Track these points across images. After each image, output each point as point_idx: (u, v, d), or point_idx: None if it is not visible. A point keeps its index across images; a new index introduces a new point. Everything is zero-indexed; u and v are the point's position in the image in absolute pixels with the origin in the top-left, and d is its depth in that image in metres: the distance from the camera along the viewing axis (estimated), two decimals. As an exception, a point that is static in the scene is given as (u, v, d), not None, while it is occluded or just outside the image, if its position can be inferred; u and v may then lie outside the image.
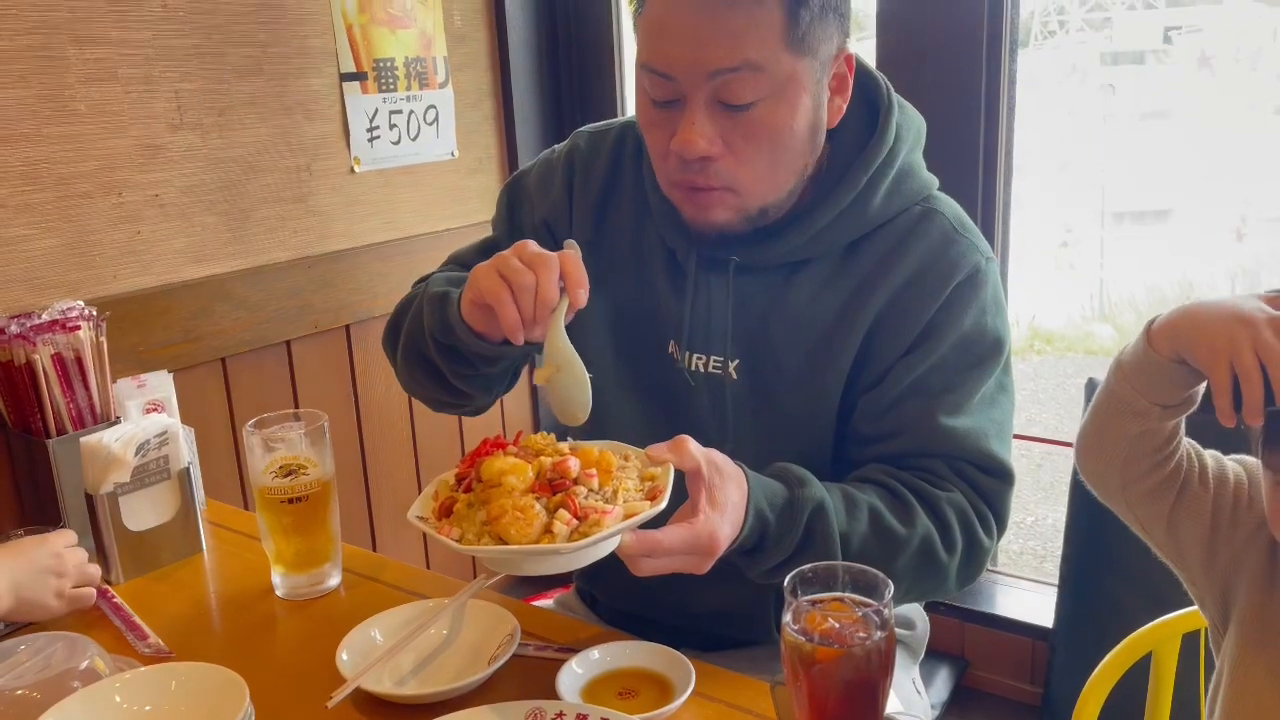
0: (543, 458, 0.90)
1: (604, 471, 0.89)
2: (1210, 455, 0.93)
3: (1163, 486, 0.90)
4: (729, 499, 0.91)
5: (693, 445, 0.91)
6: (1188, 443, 0.91)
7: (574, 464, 0.87)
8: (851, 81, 1.06)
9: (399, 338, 1.19)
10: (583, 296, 0.95)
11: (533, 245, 0.97)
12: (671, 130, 1.00)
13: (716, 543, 0.89)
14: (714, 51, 0.95)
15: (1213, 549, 0.90)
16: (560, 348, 0.96)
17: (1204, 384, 0.85)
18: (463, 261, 1.27)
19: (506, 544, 0.84)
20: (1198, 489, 0.90)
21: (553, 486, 0.86)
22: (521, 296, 0.93)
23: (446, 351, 1.09)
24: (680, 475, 0.91)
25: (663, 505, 0.87)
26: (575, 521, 0.84)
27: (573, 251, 0.97)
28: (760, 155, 1.00)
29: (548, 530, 0.84)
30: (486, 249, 1.26)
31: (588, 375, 0.96)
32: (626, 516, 0.86)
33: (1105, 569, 1.44)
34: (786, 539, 0.96)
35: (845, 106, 1.06)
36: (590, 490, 0.87)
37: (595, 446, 0.93)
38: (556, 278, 0.94)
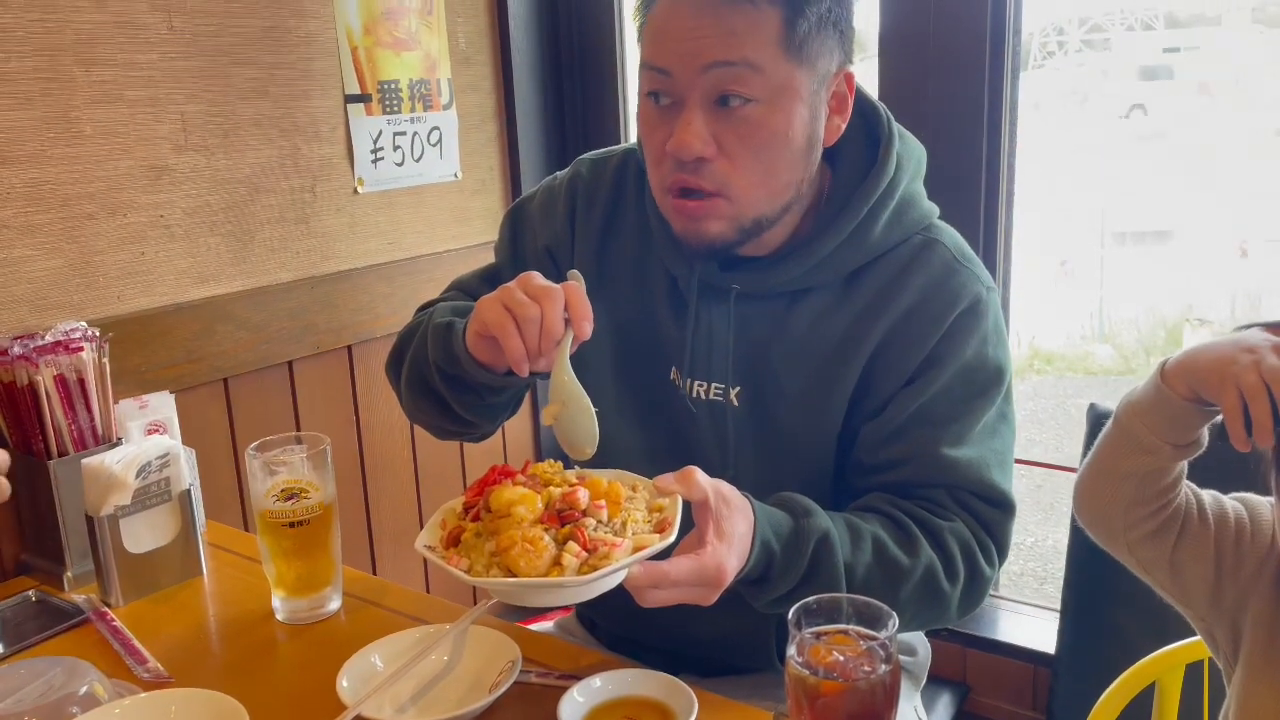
0: (552, 488, 0.90)
1: (613, 503, 0.89)
2: (1209, 494, 0.94)
3: (1164, 528, 0.90)
4: (735, 530, 0.91)
5: (700, 476, 0.91)
6: (1186, 484, 0.92)
7: (583, 495, 0.87)
8: (851, 103, 1.07)
9: (402, 366, 1.20)
10: (587, 329, 0.95)
11: (538, 277, 0.97)
12: (668, 133, 1.01)
13: (723, 574, 0.89)
14: (711, 46, 0.98)
15: (1219, 587, 0.90)
16: (565, 382, 0.96)
17: (1210, 423, 0.86)
18: (466, 288, 1.28)
19: (515, 576, 0.83)
20: (1198, 528, 0.91)
21: (561, 518, 0.86)
22: (526, 329, 0.94)
23: (451, 381, 1.09)
24: (687, 505, 0.91)
25: (671, 538, 0.87)
26: (584, 554, 0.84)
27: (577, 283, 0.98)
28: (754, 160, 1.01)
29: (557, 562, 0.83)
30: (489, 276, 1.27)
31: (593, 409, 0.96)
32: (635, 549, 0.85)
33: (1107, 596, 1.43)
34: (792, 570, 0.96)
35: (844, 127, 1.07)
36: (599, 522, 0.87)
37: (603, 476, 0.93)
38: (561, 310, 0.94)
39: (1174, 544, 0.90)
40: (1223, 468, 0.92)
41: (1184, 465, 0.90)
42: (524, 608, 1.06)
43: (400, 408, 1.25)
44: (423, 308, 1.28)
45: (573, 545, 0.84)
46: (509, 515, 0.86)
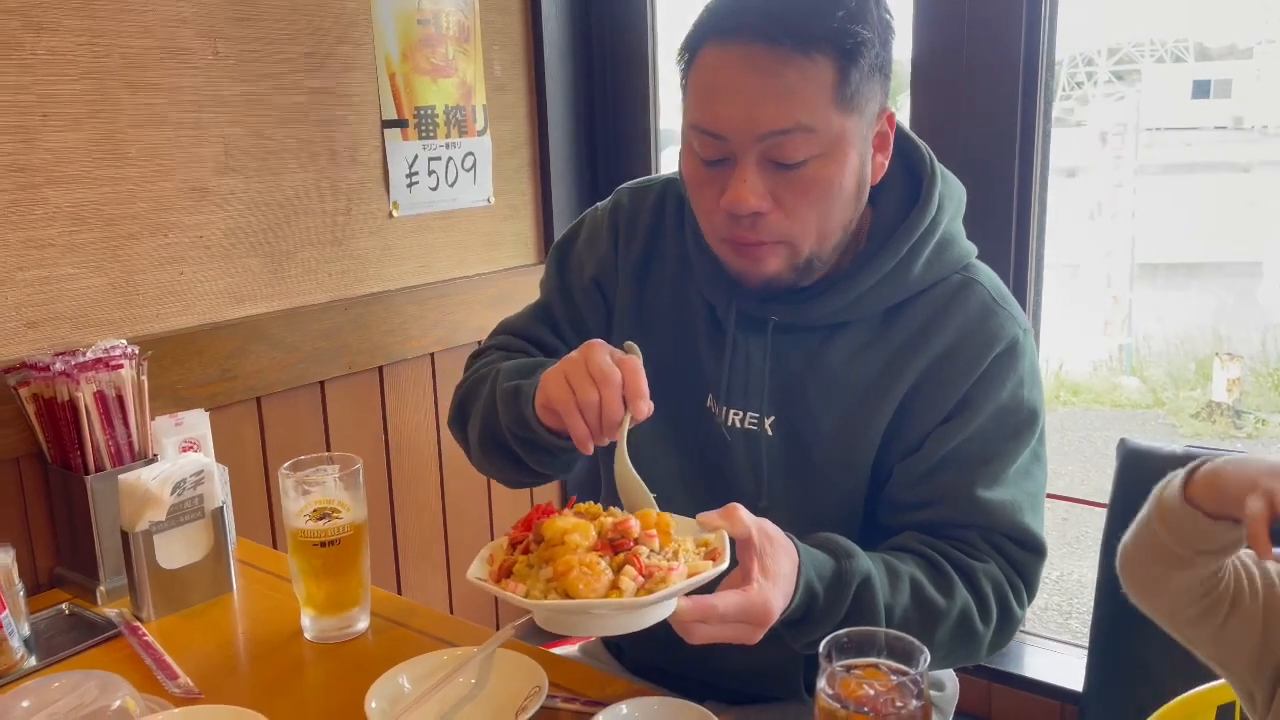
0: (603, 519, 0.90)
1: (663, 533, 0.89)
2: (1252, 557, 0.90)
3: (1210, 611, 0.86)
4: (780, 569, 0.92)
5: (744, 513, 0.91)
6: (1235, 557, 0.88)
7: (635, 524, 0.88)
8: (892, 139, 1.08)
9: (468, 422, 1.21)
10: (643, 409, 0.96)
11: (597, 355, 0.97)
12: (720, 187, 1.01)
13: (770, 612, 0.89)
14: (766, 113, 0.97)
15: (1265, 654, 0.88)
16: (621, 471, 0.97)
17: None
18: (517, 331, 1.29)
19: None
20: (1248, 604, 0.87)
21: (614, 546, 0.86)
22: (588, 414, 0.96)
23: (525, 443, 1.10)
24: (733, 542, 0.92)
25: (725, 564, 0.87)
26: (641, 579, 0.84)
27: (633, 359, 0.98)
28: (810, 211, 1.02)
29: (614, 587, 0.83)
30: (541, 315, 1.28)
31: (650, 495, 0.97)
32: (690, 575, 0.86)
33: (1137, 633, 1.41)
34: (833, 611, 0.96)
35: (886, 164, 1.08)
36: (652, 550, 0.87)
37: (650, 513, 0.93)
38: (619, 396, 0.95)
39: (1221, 623, 0.88)
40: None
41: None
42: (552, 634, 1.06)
43: (467, 457, 1.26)
44: (474, 356, 1.30)
45: (629, 570, 0.84)
46: (563, 543, 0.86)
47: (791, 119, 0.97)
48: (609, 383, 0.95)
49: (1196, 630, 0.88)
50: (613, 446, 0.99)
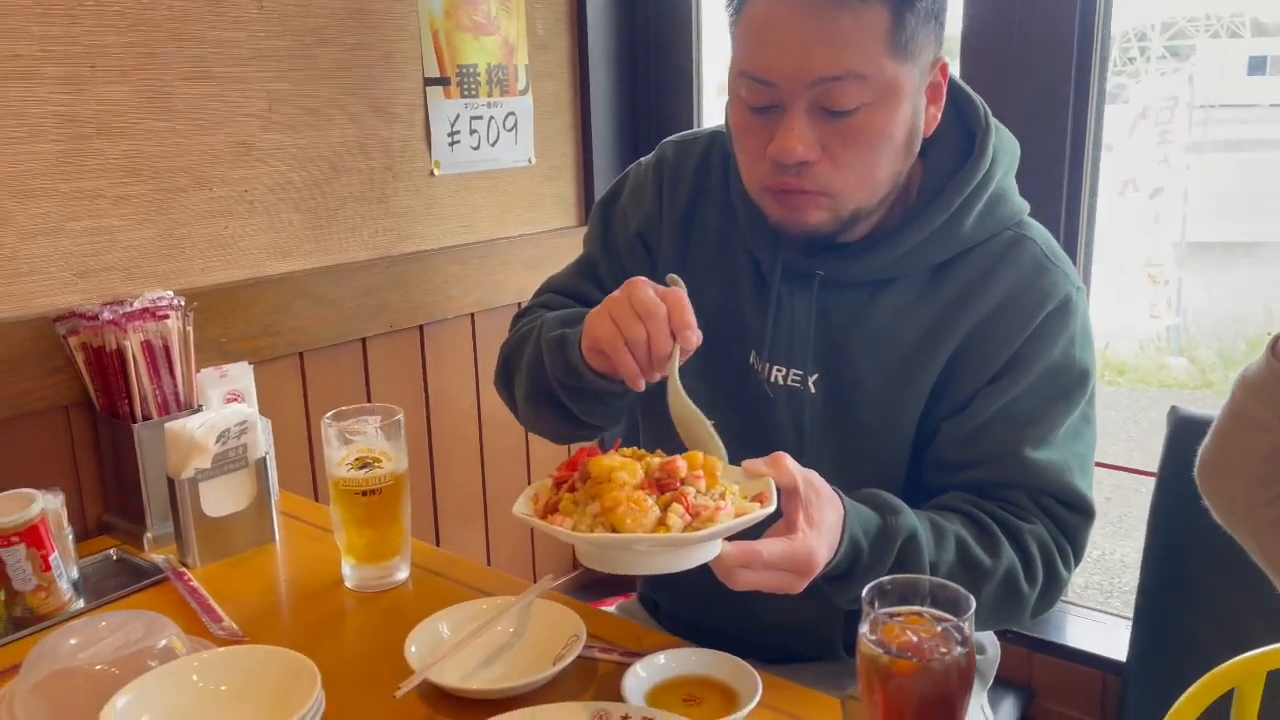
0: (649, 459, 0.89)
1: (710, 474, 0.88)
2: None
3: None
4: (826, 520, 0.91)
5: (790, 462, 0.90)
6: None
7: (682, 465, 0.87)
8: (945, 90, 1.05)
9: (514, 379, 1.21)
10: (692, 339, 0.95)
11: (641, 290, 0.96)
12: (767, 135, 1.00)
13: (815, 562, 0.88)
14: (817, 59, 0.95)
15: None
16: (675, 400, 0.96)
17: None
18: (562, 289, 1.28)
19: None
20: None
21: (661, 485, 0.85)
22: (636, 350, 0.95)
23: (573, 392, 1.09)
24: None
25: (773, 508, 0.86)
26: (689, 518, 0.83)
27: (678, 290, 0.97)
28: (859, 161, 1.00)
29: (661, 524, 0.82)
30: (584, 270, 1.28)
31: (708, 422, 0.96)
32: (737, 516, 0.85)
33: (1183, 604, 1.39)
34: (878, 566, 0.95)
35: (939, 115, 1.06)
36: (699, 491, 0.86)
37: (697, 455, 0.92)
38: (666, 328, 0.94)
39: None
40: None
41: None
42: (588, 589, 1.06)
43: (514, 415, 1.25)
44: (519, 315, 1.29)
45: (677, 508, 0.83)
46: (610, 480, 0.85)
47: (843, 65, 0.95)
48: (655, 317, 0.94)
49: (1275, 539, 0.85)
50: (653, 397, 0.98)
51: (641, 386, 0.97)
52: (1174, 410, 1.39)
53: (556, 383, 1.10)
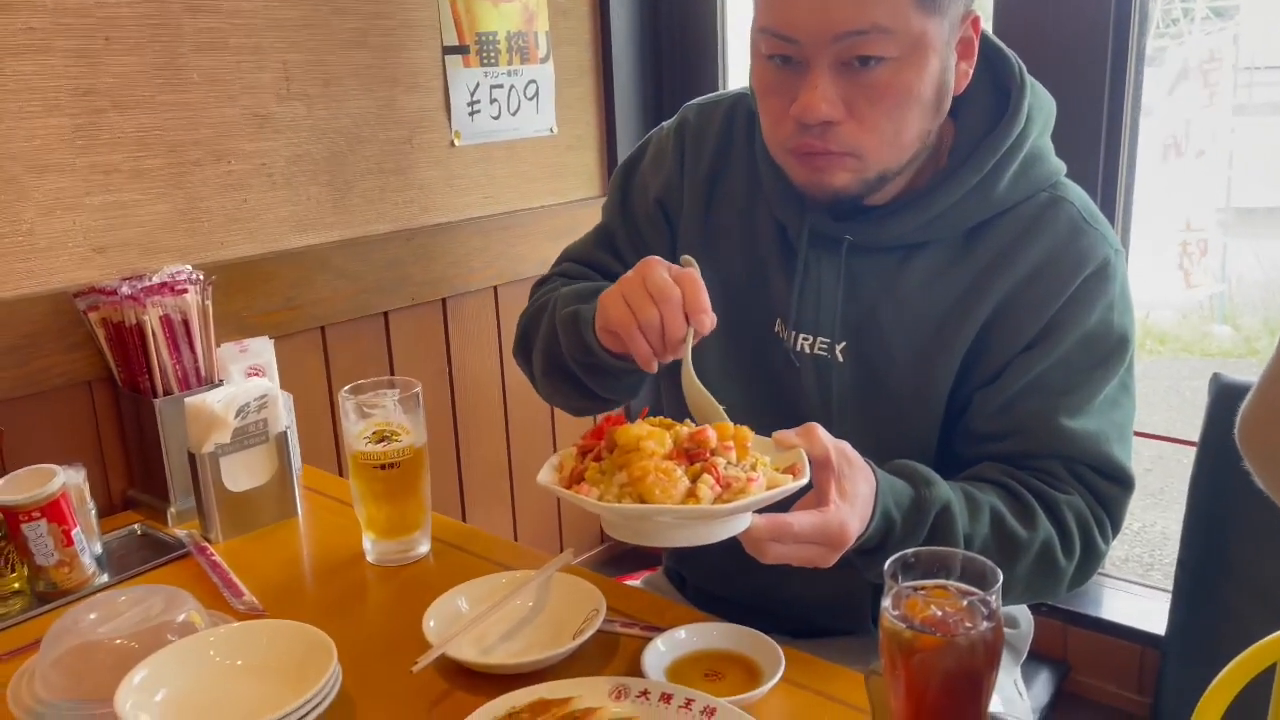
0: (678, 428, 0.86)
1: (740, 445, 0.85)
2: None
3: None
4: (858, 491, 0.88)
5: (822, 433, 0.87)
6: None
7: (712, 435, 0.84)
8: (977, 46, 1.01)
9: (531, 351, 1.19)
10: (706, 323, 0.92)
11: (655, 272, 0.93)
12: (790, 94, 0.96)
13: (846, 534, 0.86)
14: (841, 13, 0.91)
15: None
16: (689, 386, 0.93)
17: None
18: (580, 258, 1.26)
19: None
20: None
21: (690, 455, 0.82)
22: (649, 333, 0.92)
23: (588, 369, 1.08)
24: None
25: (805, 480, 0.83)
26: (719, 489, 0.80)
27: (692, 272, 0.94)
28: (885, 120, 0.96)
29: (691, 495, 0.79)
30: (599, 240, 1.25)
31: (721, 408, 0.93)
32: (769, 488, 0.82)
33: (1224, 577, 1.35)
34: (910, 539, 0.92)
35: (970, 72, 1.01)
36: (729, 462, 0.83)
37: (728, 425, 0.89)
38: (680, 312, 0.91)
39: None
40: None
41: None
42: (612, 563, 1.04)
43: (533, 386, 1.24)
44: (538, 285, 1.27)
45: (707, 478, 0.80)
46: (638, 449, 0.82)
47: (868, 19, 0.91)
48: (669, 300, 0.91)
49: None
50: (676, 366, 0.95)
51: (654, 369, 0.95)
52: (1216, 377, 1.34)
53: (571, 359, 1.08)
